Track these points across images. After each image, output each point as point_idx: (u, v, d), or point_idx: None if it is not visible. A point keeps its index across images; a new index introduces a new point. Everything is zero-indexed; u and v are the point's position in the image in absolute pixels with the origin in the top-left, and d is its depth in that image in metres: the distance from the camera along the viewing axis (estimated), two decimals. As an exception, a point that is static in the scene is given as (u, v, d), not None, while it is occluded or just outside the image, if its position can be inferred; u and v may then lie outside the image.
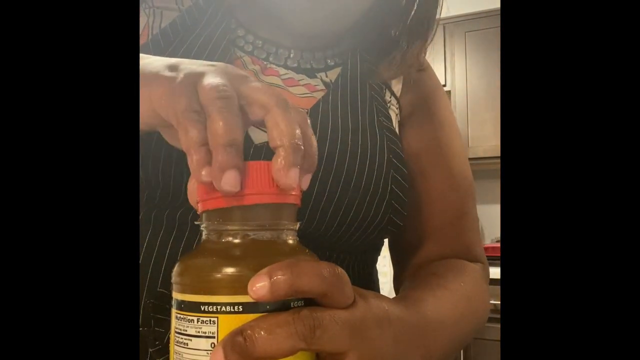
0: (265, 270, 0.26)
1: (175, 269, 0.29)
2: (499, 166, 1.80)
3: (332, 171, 0.46)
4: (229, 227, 0.28)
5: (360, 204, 0.47)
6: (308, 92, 0.51)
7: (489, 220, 2.67)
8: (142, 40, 0.48)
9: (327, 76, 0.53)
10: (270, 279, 0.25)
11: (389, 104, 0.55)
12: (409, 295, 0.42)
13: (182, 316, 0.27)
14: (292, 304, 0.27)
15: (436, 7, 0.54)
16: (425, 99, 0.58)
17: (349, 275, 0.29)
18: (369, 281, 0.56)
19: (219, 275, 0.27)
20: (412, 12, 0.55)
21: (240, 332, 0.25)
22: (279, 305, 0.26)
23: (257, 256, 0.27)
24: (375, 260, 0.58)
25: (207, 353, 0.26)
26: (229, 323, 0.26)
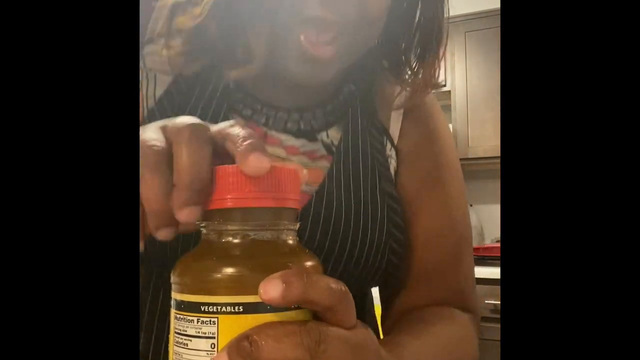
0: (278, 274, 0.26)
1: (175, 269, 0.29)
2: (499, 166, 1.79)
3: (335, 250, 0.48)
4: (229, 227, 0.28)
5: (359, 277, 0.50)
6: (310, 161, 0.51)
7: (489, 220, 2.67)
8: (141, 114, 0.47)
9: (327, 136, 0.52)
10: (284, 284, 0.25)
11: (389, 158, 0.55)
12: (391, 339, 0.42)
13: (181, 316, 0.27)
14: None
15: (442, 16, 0.51)
16: (427, 139, 0.57)
17: None
18: (361, 307, 0.57)
19: (219, 276, 0.27)
20: (417, 17, 0.52)
21: (246, 337, 0.25)
22: (279, 308, 0.26)
23: (257, 256, 0.27)
24: (368, 292, 0.60)
25: (207, 354, 0.26)
26: (229, 323, 0.26)
